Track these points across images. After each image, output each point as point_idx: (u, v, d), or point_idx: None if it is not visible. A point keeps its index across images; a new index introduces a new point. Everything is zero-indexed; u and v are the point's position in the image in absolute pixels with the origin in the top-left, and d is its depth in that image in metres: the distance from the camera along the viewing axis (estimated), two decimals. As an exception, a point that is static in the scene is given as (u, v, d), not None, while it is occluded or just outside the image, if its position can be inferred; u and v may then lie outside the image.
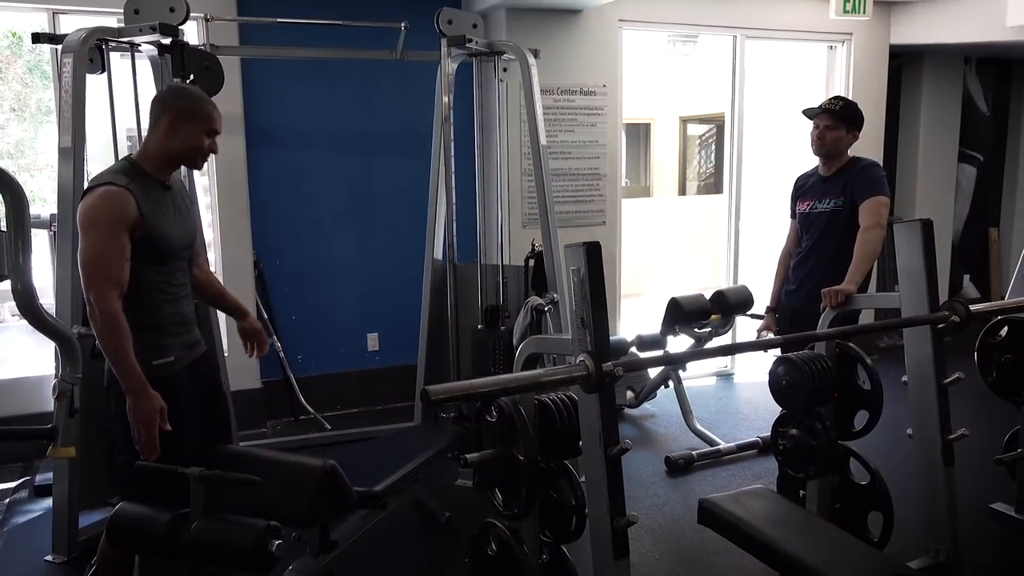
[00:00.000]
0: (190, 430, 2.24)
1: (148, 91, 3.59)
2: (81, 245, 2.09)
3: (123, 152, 3.48)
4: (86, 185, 2.22)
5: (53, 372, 2.37)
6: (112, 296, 2.05)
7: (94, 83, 3.20)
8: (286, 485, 1.90)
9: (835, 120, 3.25)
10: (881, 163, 4.19)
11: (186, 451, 2.11)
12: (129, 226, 2.11)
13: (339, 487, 2.06)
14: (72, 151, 3.02)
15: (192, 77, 3.37)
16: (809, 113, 3.37)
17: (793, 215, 3.51)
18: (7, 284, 1.80)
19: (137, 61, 3.39)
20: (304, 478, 2.00)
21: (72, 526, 3.04)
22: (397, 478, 2.61)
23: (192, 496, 1.86)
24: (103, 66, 3.25)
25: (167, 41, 3.28)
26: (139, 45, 3.37)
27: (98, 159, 4.30)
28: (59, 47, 3.15)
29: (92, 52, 3.16)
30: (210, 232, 4.32)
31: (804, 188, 3.44)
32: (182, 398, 2.24)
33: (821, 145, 3.29)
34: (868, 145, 5.27)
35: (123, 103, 3.40)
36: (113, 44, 3.27)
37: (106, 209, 2.09)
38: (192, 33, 4.09)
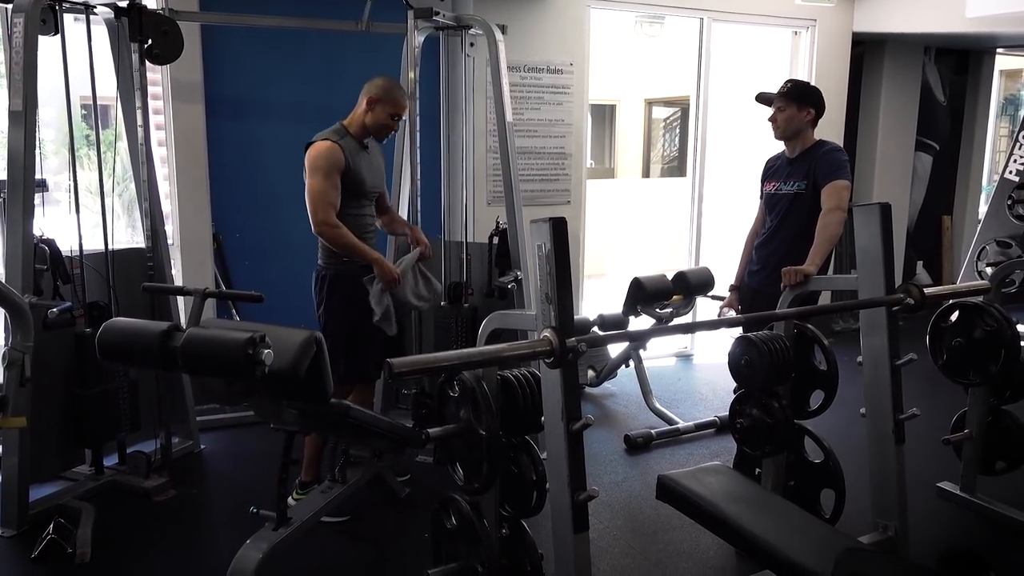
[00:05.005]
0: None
1: (104, 55, 3.48)
2: (309, 183, 2.96)
3: (77, 117, 3.38)
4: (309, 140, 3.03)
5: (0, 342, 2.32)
6: (331, 214, 2.94)
7: (46, 45, 3.09)
8: (275, 347, 1.94)
9: (784, 100, 3.29)
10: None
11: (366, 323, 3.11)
12: (340, 170, 2.96)
13: (321, 357, 2.11)
14: (23, 115, 2.93)
15: (150, 42, 3.28)
16: (761, 98, 3.43)
17: (761, 196, 3.55)
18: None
19: (92, 24, 3.29)
20: (291, 339, 2.06)
21: (22, 499, 2.98)
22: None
23: (192, 311, 2.21)
24: (56, 28, 3.14)
25: (124, 4, 3.20)
26: (94, 7, 3.27)
27: (50, 125, 4.16)
28: (9, 6, 3.04)
29: (45, 13, 3.05)
30: (167, 203, 4.22)
31: (771, 169, 3.48)
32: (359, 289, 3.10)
33: (776, 127, 3.34)
34: (829, 131, 5.35)
35: (77, 67, 3.29)
36: (67, 5, 3.16)
37: (325, 157, 2.95)
38: (150, -3, 3.97)
